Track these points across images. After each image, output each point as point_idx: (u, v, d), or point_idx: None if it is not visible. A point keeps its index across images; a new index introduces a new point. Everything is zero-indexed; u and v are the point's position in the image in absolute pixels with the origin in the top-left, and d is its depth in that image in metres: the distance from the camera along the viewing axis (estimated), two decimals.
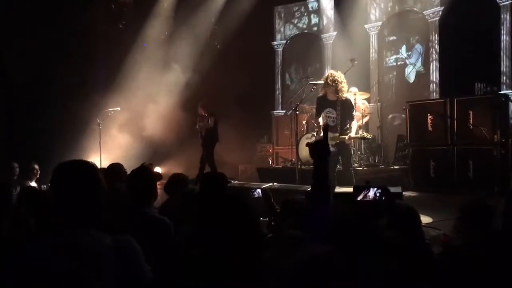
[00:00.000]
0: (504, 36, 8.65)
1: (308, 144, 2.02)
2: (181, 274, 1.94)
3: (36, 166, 7.24)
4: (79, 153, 8.96)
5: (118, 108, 9.75)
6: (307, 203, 4.02)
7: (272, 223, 3.69)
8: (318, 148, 1.96)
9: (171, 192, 4.01)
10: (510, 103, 7.96)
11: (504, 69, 8.65)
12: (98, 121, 9.42)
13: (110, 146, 9.63)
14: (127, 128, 10.28)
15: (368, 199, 2.38)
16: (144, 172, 3.05)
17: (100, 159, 9.02)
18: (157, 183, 3.33)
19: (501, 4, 8.67)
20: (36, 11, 9.98)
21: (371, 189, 2.40)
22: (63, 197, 1.84)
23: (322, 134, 2.16)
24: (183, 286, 1.88)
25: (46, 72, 9.90)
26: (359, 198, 2.41)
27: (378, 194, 2.37)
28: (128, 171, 3.47)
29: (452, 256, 1.96)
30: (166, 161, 10.63)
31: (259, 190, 4.30)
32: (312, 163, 2.02)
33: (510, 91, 8.38)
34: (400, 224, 2.28)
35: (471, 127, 7.59)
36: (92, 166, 1.94)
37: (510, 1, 8.57)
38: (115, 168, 4.43)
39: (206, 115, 9.20)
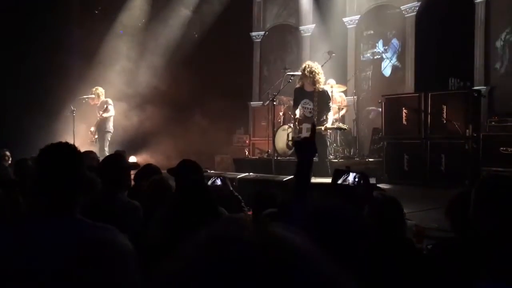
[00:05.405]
0: (478, 33, 8.80)
1: (294, 142, 2.03)
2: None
3: (7, 152, 7.07)
4: (51, 140, 8.74)
5: (93, 96, 9.58)
6: (284, 196, 4.08)
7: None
8: (306, 146, 1.95)
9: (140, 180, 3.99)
10: (482, 98, 8.12)
11: (478, 65, 8.79)
12: (72, 108, 9.24)
13: (83, 134, 9.45)
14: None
15: (347, 183, 2.40)
16: (117, 159, 3.02)
17: None
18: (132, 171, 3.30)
19: (476, 1, 8.81)
20: None
21: (350, 173, 2.42)
22: (46, 180, 1.74)
23: (309, 132, 2.16)
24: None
25: (17, 59, 9.63)
26: (339, 182, 2.43)
27: (357, 179, 2.39)
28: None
29: (448, 249, 1.98)
30: (141, 150, 10.51)
31: (219, 179, 4.52)
32: (291, 155, 2.01)
33: (483, 87, 8.54)
34: (383, 215, 2.30)
35: (444, 121, 7.73)
36: (75, 148, 1.87)
37: None
38: (87, 155, 4.36)
39: (98, 103, 9.10)
